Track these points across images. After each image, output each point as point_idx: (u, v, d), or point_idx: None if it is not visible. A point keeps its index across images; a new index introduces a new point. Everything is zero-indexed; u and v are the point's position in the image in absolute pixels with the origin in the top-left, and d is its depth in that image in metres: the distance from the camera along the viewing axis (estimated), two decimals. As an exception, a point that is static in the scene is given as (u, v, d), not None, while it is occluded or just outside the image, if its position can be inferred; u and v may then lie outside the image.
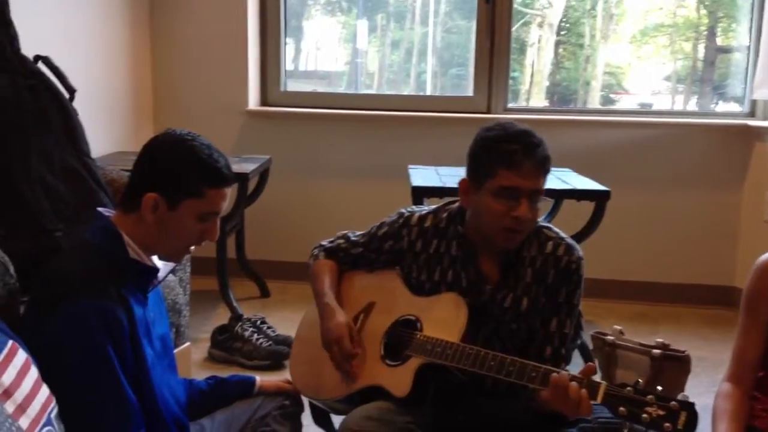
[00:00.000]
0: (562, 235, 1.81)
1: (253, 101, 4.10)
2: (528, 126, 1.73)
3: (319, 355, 1.89)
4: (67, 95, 2.35)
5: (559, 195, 3.06)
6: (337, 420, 2.00)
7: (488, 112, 4.02)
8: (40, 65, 2.34)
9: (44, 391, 1.10)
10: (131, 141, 3.84)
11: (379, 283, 1.92)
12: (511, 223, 1.68)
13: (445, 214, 1.86)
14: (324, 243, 2.02)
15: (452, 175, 3.05)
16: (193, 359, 2.93)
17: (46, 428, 1.05)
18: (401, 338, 1.79)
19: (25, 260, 1.77)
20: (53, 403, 1.11)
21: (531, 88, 4.51)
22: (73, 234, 2.09)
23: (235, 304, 3.42)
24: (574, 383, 1.49)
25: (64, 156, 2.22)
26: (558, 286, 1.76)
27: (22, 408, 1.01)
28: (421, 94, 4.49)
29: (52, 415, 1.08)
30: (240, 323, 3.05)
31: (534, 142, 1.68)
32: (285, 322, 3.25)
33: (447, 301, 1.79)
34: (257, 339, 3.01)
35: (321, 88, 4.57)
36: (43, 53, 2.41)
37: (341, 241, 1.99)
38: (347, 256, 1.97)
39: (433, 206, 1.92)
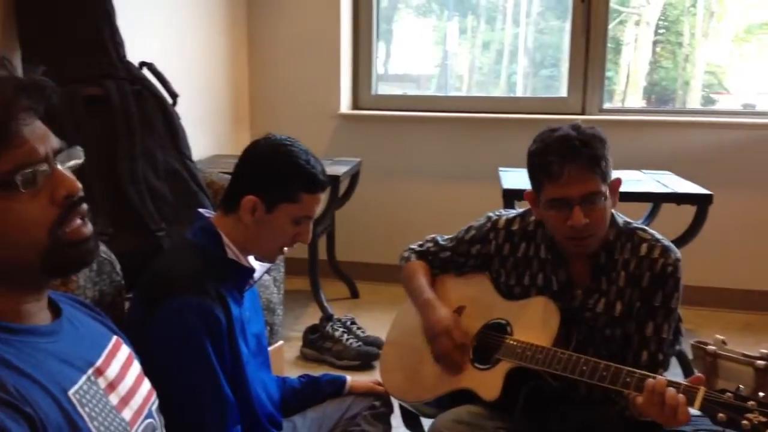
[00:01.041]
0: (658, 236, 1.75)
1: (345, 105, 4.16)
2: (579, 124, 1.67)
3: (410, 359, 1.90)
4: (169, 100, 2.44)
5: (658, 198, 2.96)
6: (426, 423, 2.00)
7: (583, 113, 3.93)
8: (145, 71, 2.45)
9: (146, 385, 1.14)
10: (228, 144, 3.96)
11: (468, 286, 1.91)
12: (571, 232, 1.64)
13: (533, 217, 1.83)
14: (413, 246, 2.02)
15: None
16: (286, 357, 2.99)
17: (147, 420, 1.08)
18: (491, 342, 1.77)
19: (130, 259, 1.85)
20: (154, 397, 1.14)
21: (627, 89, 4.39)
22: (174, 234, 2.17)
23: (325, 304, 3.47)
24: (671, 388, 1.43)
25: (167, 158, 2.31)
26: (654, 290, 1.70)
27: (125, 401, 1.04)
28: (512, 95, 4.43)
29: (153, 408, 1.12)
30: (331, 323, 3.10)
31: (573, 146, 1.61)
32: (374, 323, 3.27)
33: (537, 305, 1.76)
34: (347, 339, 3.05)
35: (410, 91, 4.58)
36: (146, 60, 2.51)
37: (430, 244, 2.00)
38: (436, 260, 1.97)
39: (521, 209, 1.89)
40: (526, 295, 1.80)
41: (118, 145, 2.18)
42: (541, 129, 1.72)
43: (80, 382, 0.98)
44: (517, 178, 3.10)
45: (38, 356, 0.94)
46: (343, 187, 3.58)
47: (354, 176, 3.72)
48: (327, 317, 3.17)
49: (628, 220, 1.78)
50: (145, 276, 1.57)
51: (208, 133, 3.76)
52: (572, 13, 3.91)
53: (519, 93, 4.45)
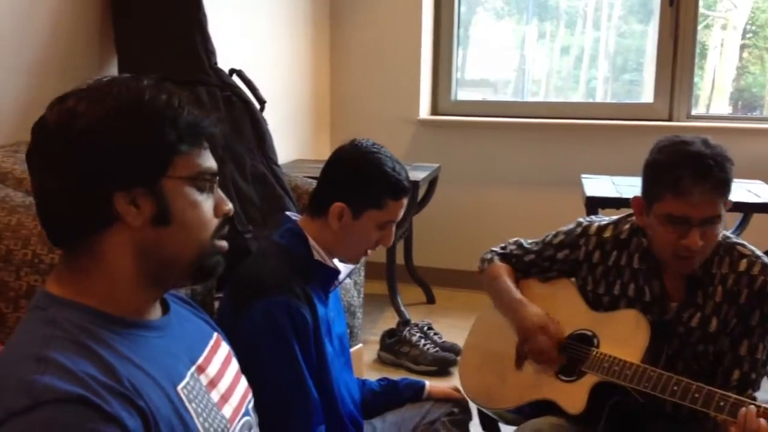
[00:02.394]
0: (759, 253, 1.68)
1: (424, 110, 4.17)
2: (708, 140, 1.59)
3: (491, 365, 1.88)
4: (257, 106, 2.51)
5: (749, 208, 2.86)
6: (505, 429, 1.99)
7: (670, 120, 3.83)
8: (234, 78, 2.52)
9: (243, 382, 1.16)
10: (309, 149, 4.03)
11: (553, 293, 1.88)
12: (681, 251, 1.58)
13: (627, 226, 1.79)
14: (496, 249, 1.99)
15: (630, 186, 2.93)
16: (363, 360, 3.02)
17: (245, 418, 1.10)
18: (576, 353, 1.74)
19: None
20: (250, 395, 1.16)
21: (712, 94, 4.25)
22: (261, 236, 2.23)
23: (402, 308, 3.48)
24: (764, 421, 1.38)
25: (254, 162, 2.37)
26: (752, 308, 1.64)
27: (225, 398, 1.06)
28: (591, 101, 4.35)
29: (250, 406, 1.14)
30: (408, 328, 3.11)
31: (708, 165, 1.53)
32: (450, 329, 3.27)
33: (627, 317, 1.72)
34: (424, 344, 3.05)
35: (486, 96, 4.56)
36: (235, 66, 2.59)
37: (513, 247, 1.97)
38: (519, 263, 1.93)
39: (614, 217, 1.85)
40: (614, 306, 1.76)
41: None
42: (659, 138, 1.65)
43: (187, 378, 1.00)
44: (600, 186, 3.05)
45: (151, 350, 0.97)
46: (421, 192, 3.59)
47: (432, 182, 3.73)
48: (404, 322, 3.19)
49: (727, 233, 1.72)
50: (234, 277, 1.61)
51: (291, 137, 3.83)
52: (660, 16, 3.82)
53: (599, 98, 4.38)
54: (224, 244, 1.05)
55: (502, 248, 1.99)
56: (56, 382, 0.83)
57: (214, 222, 1.02)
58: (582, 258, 1.82)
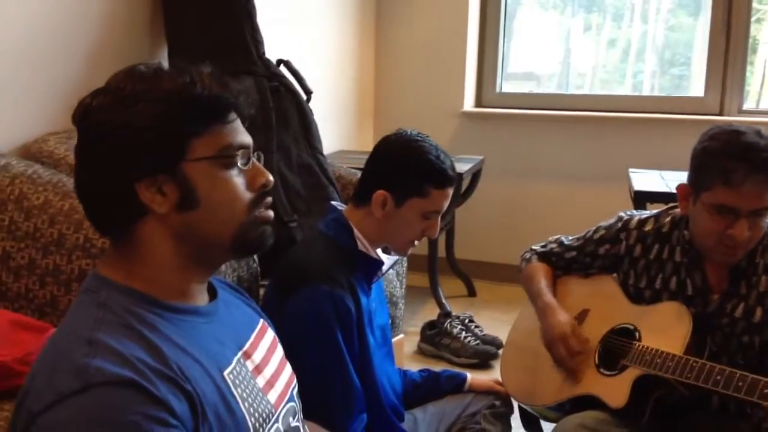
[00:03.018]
0: None
1: (468, 103, 4.15)
2: (761, 131, 1.56)
3: (532, 362, 1.87)
4: (304, 96, 2.53)
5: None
6: (546, 426, 1.98)
7: (721, 114, 3.75)
8: (282, 68, 2.54)
9: (288, 369, 1.17)
10: (353, 140, 4.05)
11: (594, 289, 1.87)
12: (727, 240, 1.56)
13: (668, 219, 1.77)
14: (536, 247, 1.99)
15: (679, 180, 2.87)
16: (404, 351, 3.02)
17: (290, 404, 1.11)
18: (617, 347, 1.73)
19: (264, 248, 1.93)
20: (295, 381, 1.17)
21: (762, 89, 4.15)
22: (306, 225, 2.25)
23: (444, 300, 3.48)
24: None
25: (300, 152, 2.39)
26: None
27: (270, 384, 1.07)
28: (637, 94, 4.28)
29: (294, 392, 1.15)
30: (449, 320, 3.10)
31: (761, 158, 1.50)
32: (492, 322, 3.26)
33: (668, 310, 1.70)
34: (465, 337, 3.05)
35: (530, 88, 4.52)
36: (283, 57, 2.61)
37: (554, 245, 1.96)
38: (560, 260, 1.93)
39: (655, 210, 1.83)
40: (656, 299, 1.74)
41: (255, 139, 2.28)
42: (711, 126, 1.62)
43: (233, 364, 1.01)
44: (649, 180, 3.00)
45: (198, 336, 0.98)
46: (464, 184, 3.58)
47: (476, 174, 3.72)
48: (445, 314, 3.19)
49: None
50: (280, 265, 1.63)
51: (335, 128, 3.85)
52: (711, 10, 3.74)
53: (645, 92, 4.30)
54: (268, 213, 1.03)
55: (543, 247, 1.98)
56: (107, 365, 0.84)
57: (248, 196, 1.00)
58: (623, 252, 1.80)
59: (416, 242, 1.66)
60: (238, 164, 0.99)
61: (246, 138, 1.02)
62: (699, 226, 1.63)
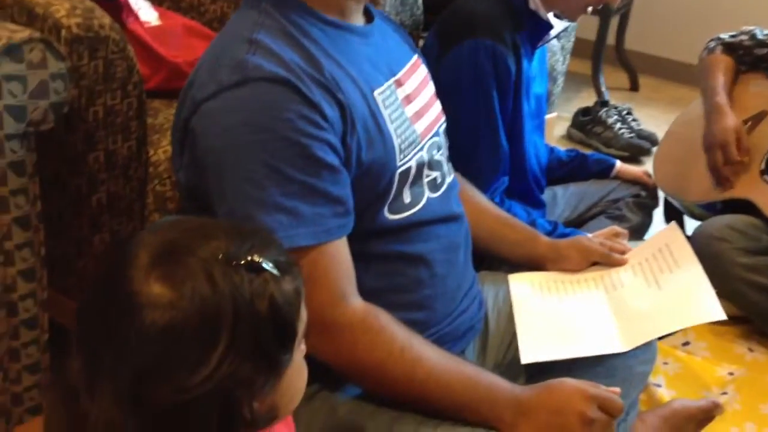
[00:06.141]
0: None
1: None
2: None
3: (690, 155, 1.79)
4: None
5: None
6: (689, 224, 1.93)
7: None
8: None
9: (437, 106, 1.17)
10: None
11: None
12: None
13: None
14: (724, 36, 1.82)
15: None
16: (553, 134, 2.96)
17: (435, 138, 1.12)
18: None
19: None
20: (443, 119, 1.18)
21: None
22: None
23: (603, 89, 3.32)
24: None
25: None
26: None
27: (418, 115, 1.08)
28: None
29: (441, 129, 1.16)
30: (606, 109, 2.97)
31: None
32: (650, 119, 3.10)
33: None
34: (619, 128, 2.92)
35: None
36: None
37: (745, 37, 1.78)
38: (747, 55, 1.76)
39: None
40: None
41: None
42: None
43: (384, 86, 1.03)
44: None
45: (352, 52, 0.99)
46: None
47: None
48: (602, 102, 3.04)
49: None
50: (444, 14, 1.57)
51: None
52: None
53: None
54: None
55: (732, 36, 1.81)
56: (264, 62, 0.89)
57: None
58: None
59: (590, 8, 1.55)
60: None
61: None
62: None
